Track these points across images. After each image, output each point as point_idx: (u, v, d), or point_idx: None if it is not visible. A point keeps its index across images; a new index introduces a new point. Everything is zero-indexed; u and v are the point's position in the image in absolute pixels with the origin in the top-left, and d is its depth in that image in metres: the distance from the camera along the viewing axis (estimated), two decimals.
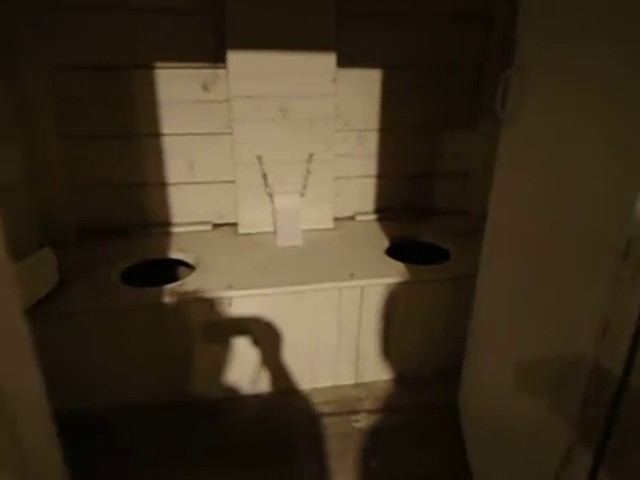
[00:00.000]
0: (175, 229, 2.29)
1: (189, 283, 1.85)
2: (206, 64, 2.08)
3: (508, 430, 1.40)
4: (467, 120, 2.41)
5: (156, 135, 2.14)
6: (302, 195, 2.24)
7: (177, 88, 2.08)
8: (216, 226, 2.35)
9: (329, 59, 2.07)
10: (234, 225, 2.35)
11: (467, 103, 2.38)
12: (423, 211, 2.54)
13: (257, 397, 2.01)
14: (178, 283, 1.84)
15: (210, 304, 1.80)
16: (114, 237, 2.20)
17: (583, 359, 0.97)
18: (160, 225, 2.29)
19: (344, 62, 2.13)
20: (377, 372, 2.10)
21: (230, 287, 1.82)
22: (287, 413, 1.95)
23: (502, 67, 2.26)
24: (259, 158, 2.17)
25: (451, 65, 2.30)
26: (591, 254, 0.97)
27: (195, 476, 1.67)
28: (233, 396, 1.99)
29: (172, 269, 2.21)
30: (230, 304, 1.82)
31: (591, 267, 0.97)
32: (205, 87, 2.11)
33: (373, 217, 2.47)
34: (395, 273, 1.94)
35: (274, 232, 2.25)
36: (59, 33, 1.94)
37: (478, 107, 2.37)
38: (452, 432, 1.82)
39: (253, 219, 2.28)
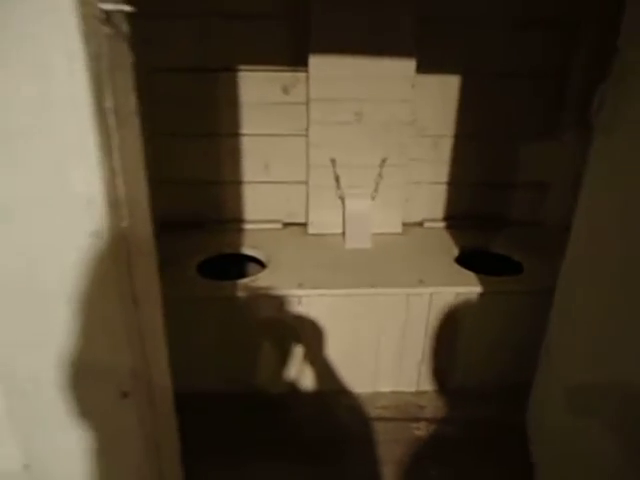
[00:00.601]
0: (247, 226, 2.37)
1: (261, 279, 1.91)
2: (287, 67, 2.14)
3: (579, 455, 1.35)
4: (547, 130, 2.32)
5: (236, 135, 2.23)
6: (373, 199, 2.25)
7: (259, 90, 2.16)
8: (286, 225, 2.41)
9: (409, 65, 2.07)
10: (303, 225, 2.40)
11: (548, 112, 2.29)
12: (494, 221, 2.47)
13: (318, 395, 2.04)
14: (251, 278, 1.91)
15: (280, 301, 1.85)
16: (191, 231, 2.31)
17: None
18: (233, 221, 2.38)
19: (422, 67, 2.12)
20: (439, 381, 2.07)
21: (300, 286, 1.86)
22: (346, 413, 1.97)
23: (588, 76, 2.17)
24: (333, 161, 2.20)
25: (532, 72, 2.23)
26: None
27: (246, 469, 1.72)
28: (295, 392, 2.03)
29: (242, 264, 2.29)
30: (299, 302, 1.86)
31: None
32: (285, 90, 2.17)
33: (442, 224, 2.44)
34: (465, 282, 1.91)
35: (343, 234, 2.28)
36: (155, 38, 2.06)
37: (561, 117, 2.28)
38: (516, 449, 1.77)
39: (323, 220, 2.32)
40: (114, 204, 0.52)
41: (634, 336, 1.12)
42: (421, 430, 1.90)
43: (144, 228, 0.59)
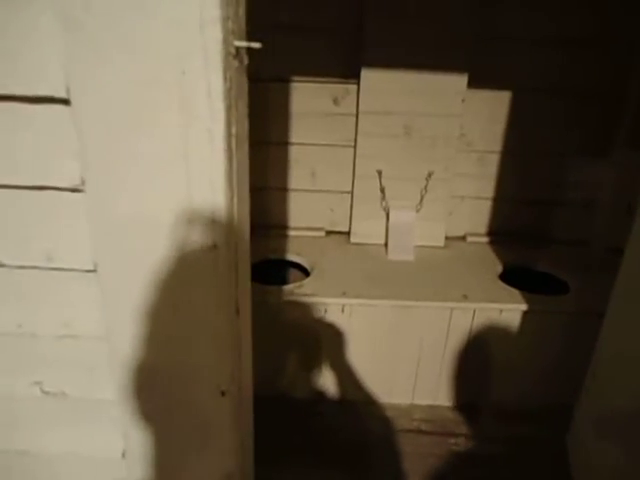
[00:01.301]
0: (291, 232, 2.42)
1: (306, 286, 1.95)
2: (339, 79, 2.19)
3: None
4: (598, 149, 2.29)
5: (285, 144, 2.29)
6: (417, 211, 2.27)
7: (310, 101, 2.21)
8: (328, 233, 2.45)
9: (460, 80, 2.09)
10: (345, 234, 2.43)
11: (600, 131, 2.26)
12: (538, 238, 2.45)
13: (354, 403, 2.06)
14: (296, 284, 1.95)
15: (324, 308, 1.89)
16: None
17: None
18: (278, 227, 2.43)
19: (473, 82, 2.13)
20: (479, 398, 2.06)
21: (344, 294, 1.89)
22: (382, 423, 1.98)
23: None
24: (379, 172, 2.23)
25: (584, 91, 2.21)
26: None
27: (279, 474, 1.74)
28: (331, 400, 2.06)
29: (285, 270, 2.34)
30: (342, 311, 1.89)
31: None
32: (336, 101, 2.22)
33: (485, 239, 2.43)
34: (510, 300, 1.90)
35: (385, 245, 2.30)
36: None
37: (613, 136, 2.25)
38: (554, 469, 1.75)
39: (366, 230, 2.34)
40: (231, 219, 0.56)
41: None
42: (459, 446, 1.89)
43: (245, 240, 0.64)
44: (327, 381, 2.04)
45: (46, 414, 0.70)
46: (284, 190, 2.39)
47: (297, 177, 2.36)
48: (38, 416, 0.70)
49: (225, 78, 0.52)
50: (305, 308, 1.90)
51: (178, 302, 0.60)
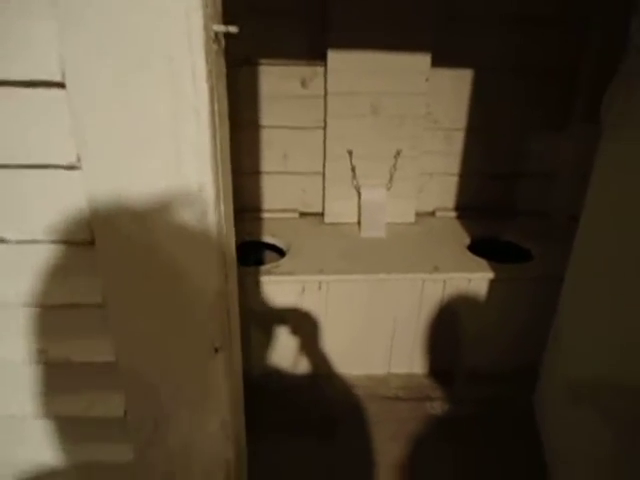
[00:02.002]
0: (265, 215, 2.45)
1: (283, 265, 2.00)
2: (306, 61, 2.21)
3: (578, 440, 1.44)
4: (557, 123, 2.40)
5: (256, 127, 2.31)
6: (388, 189, 2.34)
7: (279, 83, 2.23)
8: (302, 215, 2.50)
9: (424, 59, 2.15)
10: (319, 214, 2.48)
11: (558, 106, 2.37)
12: (504, 211, 2.56)
13: (332, 376, 2.14)
14: (274, 264, 2.00)
15: (302, 286, 1.94)
16: None
17: None
18: (252, 210, 2.46)
19: (437, 62, 2.19)
20: (452, 363, 2.17)
21: (321, 272, 1.95)
22: (362, 393, 2.07)
23: (598, 73, 2.25)
24: (349, 152, 2.28)
25: (544, 68, 2.30)
26: None
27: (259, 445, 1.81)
28: (310, 375, 2.13)
29: (260, 252, 2.38)
30: (320, 287, 1.96)
31: None
32: (304, 83, 2.25)
33: (453, 214, 2.53)
34: (478, 269, 2.00)
35: (358, 223, 2.36)
36: None
37: (570, 111, 2.36)
38: (524, 427, 1.87)
39: (339, 210, 2.40)
40: (218, 191, 0.61)
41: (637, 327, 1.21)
42: (435, 409, 2.00)
43: (230, 213, 0.69)
44: (306, 357, 2.11)
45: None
46: (257, 173, 2.41)
47: (269, 159, 2.39)
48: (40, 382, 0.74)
49: (207, 61, 0.56)
50: (282, 287, 1.95)
51: (172, 271, 0.64)
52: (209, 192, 0.58)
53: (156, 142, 0.57)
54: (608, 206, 1.43)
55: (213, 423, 0.70)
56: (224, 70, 0.68)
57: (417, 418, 1.95)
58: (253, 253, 2.37)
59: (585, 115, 2.30)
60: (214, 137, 0.60)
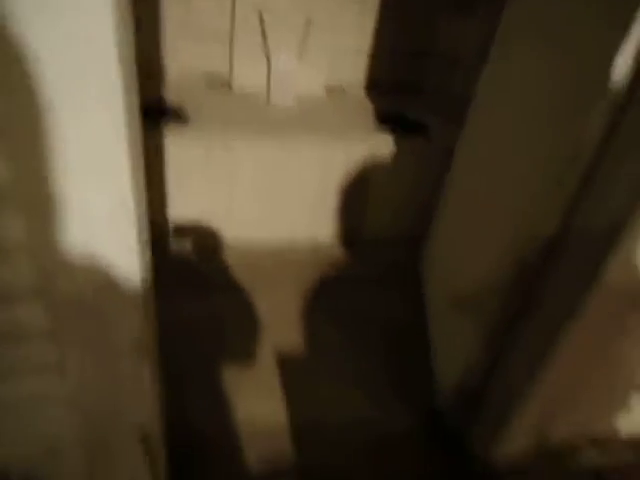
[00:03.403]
0: (171, 80, 2.31)
1: (190, 127, 1.95)
2: None
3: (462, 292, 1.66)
4: (465, 5, 2.45)
5: None
6: (298, 58, 2.29)
7: None
8: (210, 81, 2.39)
9: None
10: (227, 83, 2.39)
11: None
12: (410, 88, 2.64)
13: (240, 243, 2.22)
14: (179, 125, 1.94)
15: (209, 146, 1.93)
16: None
17: None
18: (158, 76, 2.30)
19: None
20: (354, 232, 2.34)
21: (228, 135, 1.94)
22: (266, 259, 2.18)
23: None
24: (260, 17, 2.17)
25: None
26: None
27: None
28: (216, 242, 2.20)
29: (167, 118, 2.28)
30: (227, 150, 1.95)
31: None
32: None
33: (363, 91, 2.57)
34: (382, 141, 2.11)
35: (267, 92, 2.33)
36: None
37: None
38: (411, 286, 2.11)
39: (248, 78, 2.33)
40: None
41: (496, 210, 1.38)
42: (339, 271, 2.17)
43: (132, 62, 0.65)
44: (212, 221, 2.15)
45: None
46: (160, 39, 2.23)
47: (173, 25, 2.21)
48: None
49: None
50: (188, 148, 1.92)
51: None
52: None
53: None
54: (496, 87, 1.54)
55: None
56: None
57: (321, 280, 2.10)
58: (160, 119, 2.26)
59: None
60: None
